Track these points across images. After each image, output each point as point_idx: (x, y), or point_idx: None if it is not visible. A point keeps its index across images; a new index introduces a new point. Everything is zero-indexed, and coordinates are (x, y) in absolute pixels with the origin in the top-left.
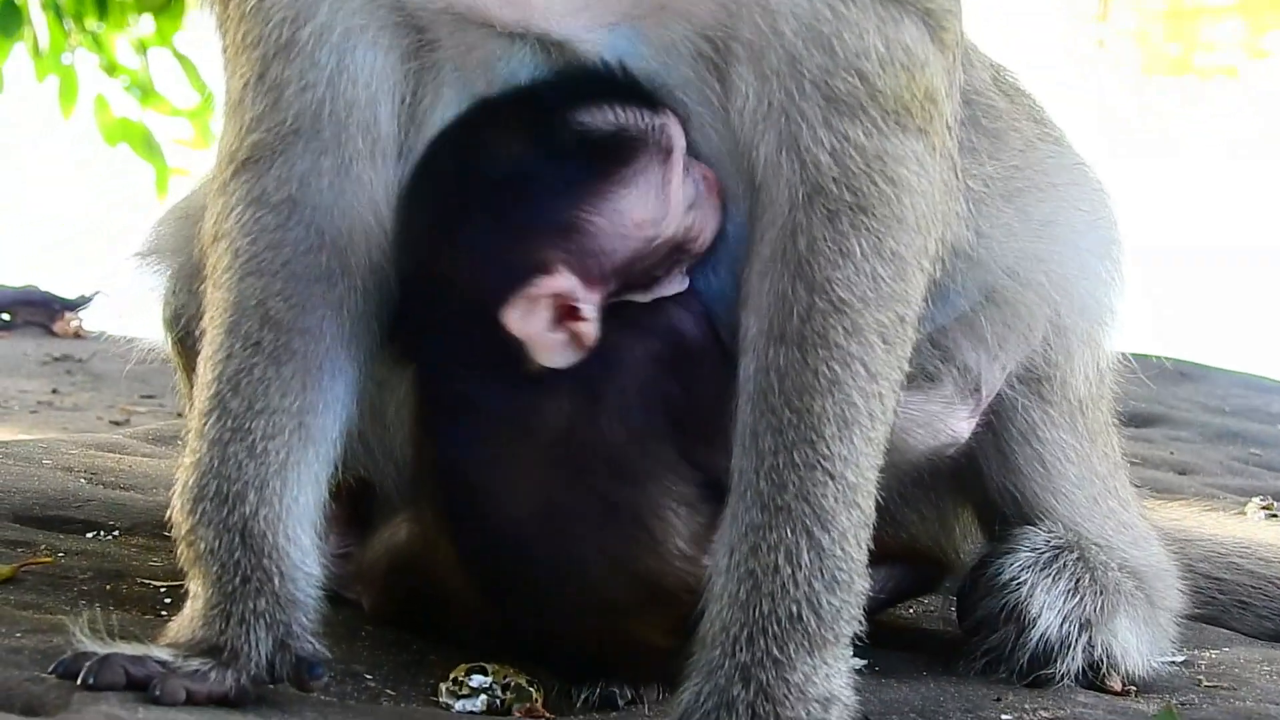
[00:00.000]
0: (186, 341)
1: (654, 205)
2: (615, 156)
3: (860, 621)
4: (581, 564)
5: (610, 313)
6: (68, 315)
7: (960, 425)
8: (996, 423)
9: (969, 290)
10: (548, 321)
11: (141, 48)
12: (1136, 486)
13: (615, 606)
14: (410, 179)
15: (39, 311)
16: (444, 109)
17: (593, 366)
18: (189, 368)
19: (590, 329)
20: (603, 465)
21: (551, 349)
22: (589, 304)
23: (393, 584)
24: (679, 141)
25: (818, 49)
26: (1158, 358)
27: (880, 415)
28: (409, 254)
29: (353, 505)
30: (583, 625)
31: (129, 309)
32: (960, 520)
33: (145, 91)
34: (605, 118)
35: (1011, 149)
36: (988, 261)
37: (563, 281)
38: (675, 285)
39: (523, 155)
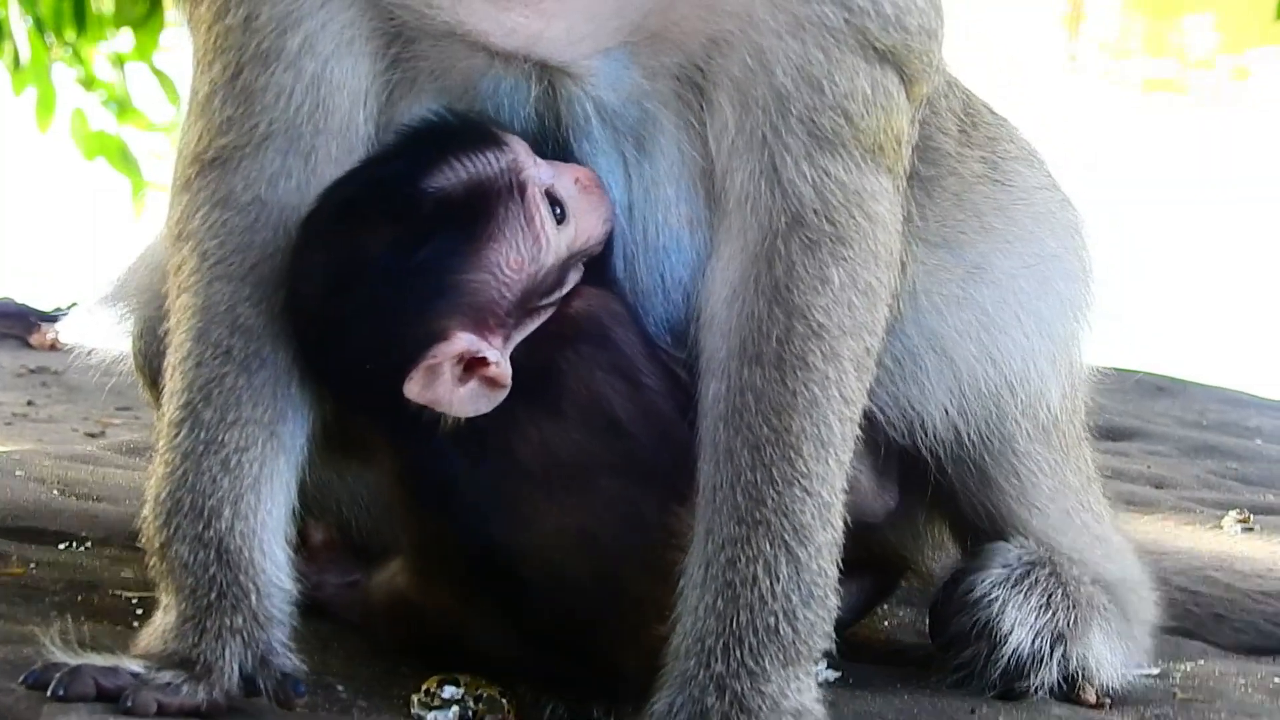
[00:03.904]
0: (158, 379)
1: (526, 245)
2: (476, 213)
3: (831, 638)
4: (614, 571)
5: (531, 334)
6: (44, 327)
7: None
8: (957, 443)
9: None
10: (454, 381)
11: (119, 62)
12: (1113, 500)
13: (651, 608)
14: (287, 290)
15: (15, 324)
16: (420, 112)
17: (538, 386)
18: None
19: (501, 370)
20: (600, 472)
21: (466, 402)
22: (493, 350)
23: (399, 620)
24: (531, 172)
25: (807, 88)
26: (1135, 372)
27: (850, 439)
28: (309, 356)
29: (348, 534)
30: (589, 640)
31: (104, 324)
32: (931, 532)
33: (122, 106)
34: (456, 175)
35: (947, 193)
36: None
37: (460, 343)
38: (574, 280)
39: (389, 241)
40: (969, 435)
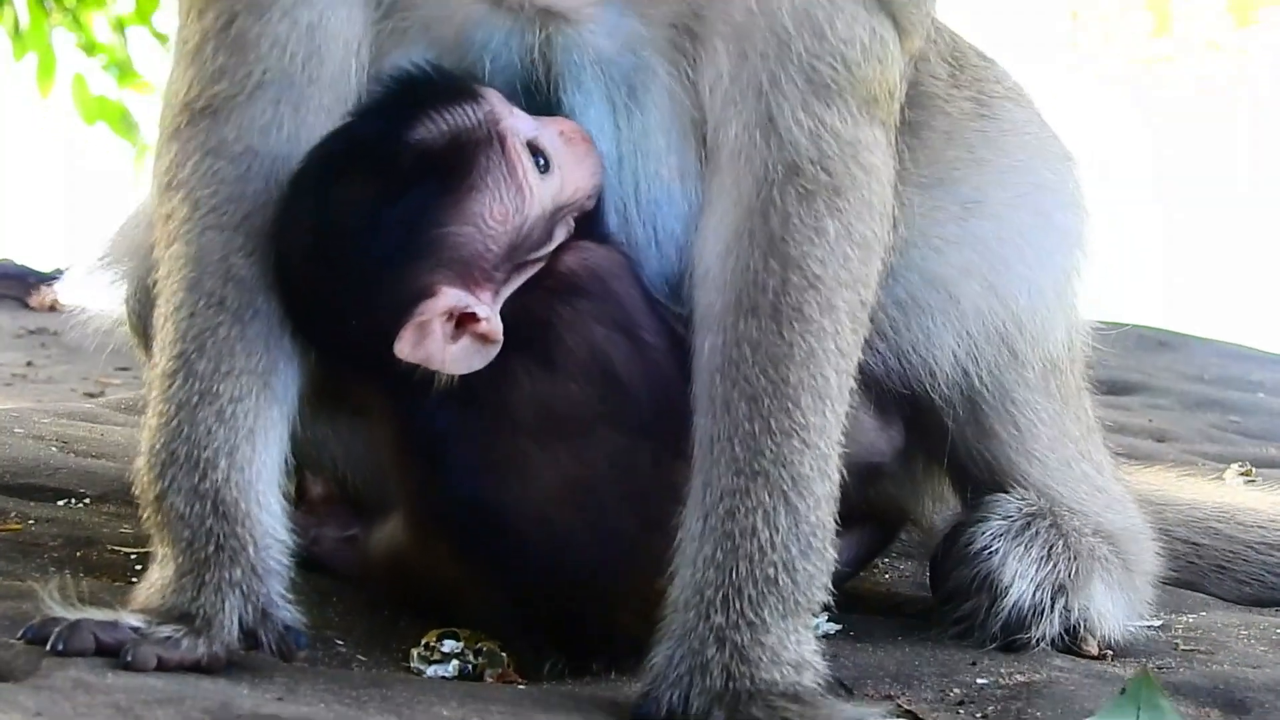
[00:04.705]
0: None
1: (509, 196)
2: (456, 166)
3: (829, 591)
4: (611, 526)
5: (525, 287)
6: (43, 289)
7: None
8: (963, 387)
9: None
10: (444, 338)
11: (119, 26)
12: (1115, 454)
13: (648, 563)
14: (275, 252)
15: (14, 285)
16: (406, 63)
17: (534, 341)
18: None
19: (492, 326)
20: (596, 426)
21: (458, 359)
22: (483, 305)
23: (399, 577)
24: (509, 123)
25: (809, 32)
26: (1137, 326)
27: (846, 392)
28: (298, 317)
29: (345, 489)
30: (597, 601)
31: (101, 286)
32: (931, 484)
33: (123, 70)
34: (436, 127)
35: (936, 132)
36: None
37: (447, 299)
38: (563, 235)
39: (371, 198)
40: (979, 377)
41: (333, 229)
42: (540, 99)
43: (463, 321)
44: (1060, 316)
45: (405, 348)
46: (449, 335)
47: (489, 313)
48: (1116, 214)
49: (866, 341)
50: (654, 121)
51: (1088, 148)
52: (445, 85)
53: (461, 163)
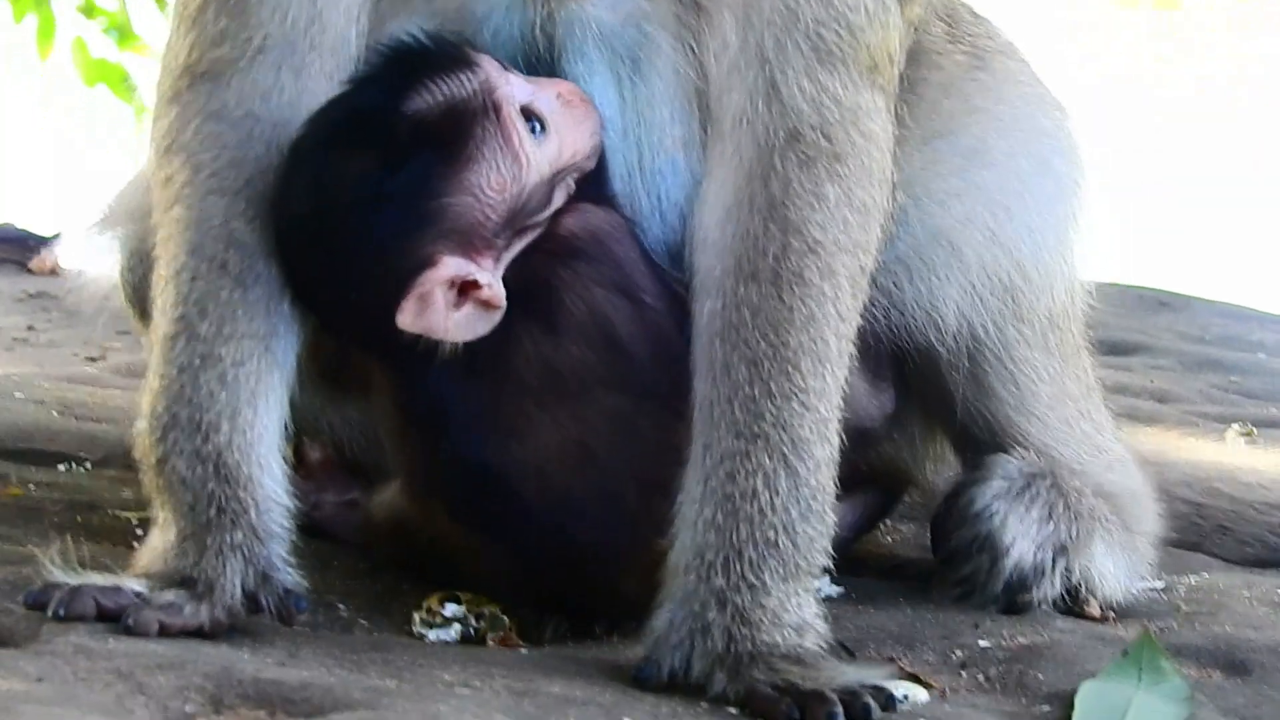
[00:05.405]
0: (148, 309)
1: (506, 165)
2: (452, 137)
3: (830, 555)
4: (612, 487)
5: (523, 250)
6: (44, 252)
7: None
8: (969, 343)
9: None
10: (446, 307)
11: None
12: (1116, 414)
13: (648, 525)
14: (274, 224)
15: (14, 249)
16: (404, 32)
17: (535, 303)
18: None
19: (494, 292)
20: (597, 387)
21: (461, 326)
22: (484, 272)
23: (401, 541)
24: (504, 91)
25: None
26: (1138, 287)
27: (845, 357)
28: (299, 289)
29: (343, 454)
30: (607, 562)
31: (100, 250)
32: (932, 446)
33: (123, 33)
34: (432, 98)
35: (932, 86)
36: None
37: (448, 268)
38: (563, 197)
39: (368, 171)
40: (984, 329)
41: (331, 203)
42: (543, 72)
43: (465, 289)
44: (1061, 266)
45: (407, 318)
46: (451, 304)
47: (491, 279)
48: (1119, 197)
49: (872, 298)
50: (658, 93)
51: (1088, 146)
52: (440, 54)
53: (458, 134)
